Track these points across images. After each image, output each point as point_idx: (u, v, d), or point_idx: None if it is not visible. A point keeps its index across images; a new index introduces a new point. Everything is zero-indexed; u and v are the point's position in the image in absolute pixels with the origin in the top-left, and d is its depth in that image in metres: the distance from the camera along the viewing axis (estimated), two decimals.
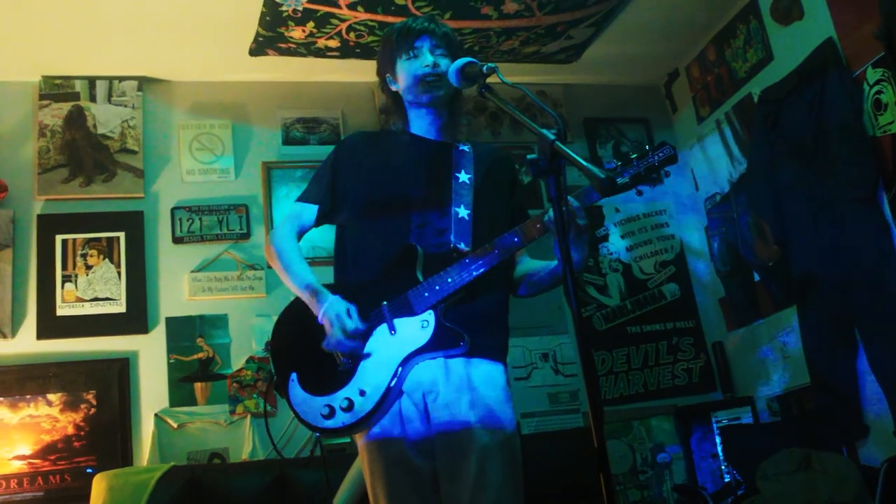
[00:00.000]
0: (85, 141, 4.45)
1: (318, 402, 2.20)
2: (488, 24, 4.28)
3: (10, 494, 3.80)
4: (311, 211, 2.45)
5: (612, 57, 5.03)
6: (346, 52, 4.45)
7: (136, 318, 4.24)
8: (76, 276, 4.24)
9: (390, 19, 4.08)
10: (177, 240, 4.43)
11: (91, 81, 4.55)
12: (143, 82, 4.64)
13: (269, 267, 4.34)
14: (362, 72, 4.76)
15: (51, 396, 4.01)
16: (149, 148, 4.56)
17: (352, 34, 4.25)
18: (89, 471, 3.85)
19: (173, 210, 4.47)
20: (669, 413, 4.60)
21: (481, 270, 2.20)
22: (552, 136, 1.84)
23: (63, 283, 4.21)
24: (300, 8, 3.99)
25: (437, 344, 2.19)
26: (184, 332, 4.29)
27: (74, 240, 4.29)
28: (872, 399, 3.88)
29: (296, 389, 2.24)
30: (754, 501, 3.63)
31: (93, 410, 4.04)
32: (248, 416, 4.16)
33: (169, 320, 4.29)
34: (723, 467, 4.34)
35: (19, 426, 3.93)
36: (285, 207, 4.59)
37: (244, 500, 3.63)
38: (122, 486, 3.52)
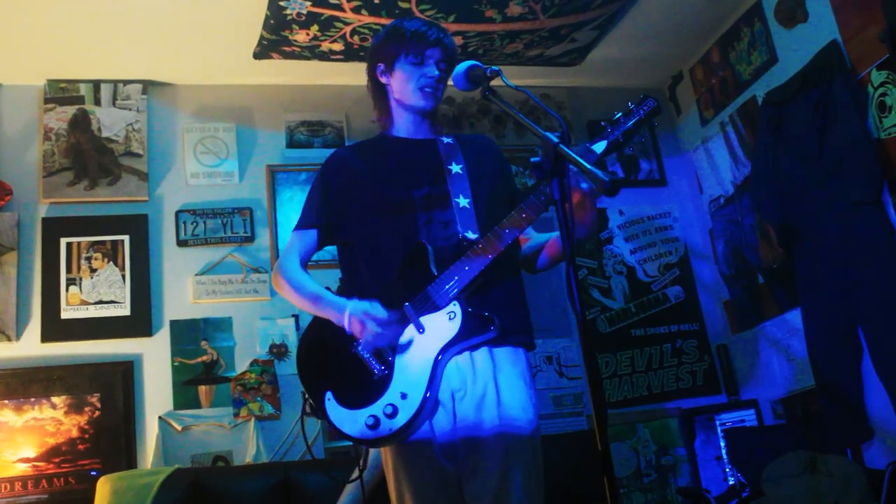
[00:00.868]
0: (90, 144, 4.46)
1: (361, 414, 2.17)
2: (492, 28, 4.28)
3: (15, 497, 3.80)
4: (311, 236, 2.44)
5: (615, 60, 5.03)
6: (350, 55, 4.46)
7: (140, 321, 4.25)
8: (81, 279, 4.25)
9: None
10: (181, 243, 4.44)
11: (96, 85, 4.56)
12: (148, 86, 4.65)
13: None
14: (366, 76, 4.76)
15: (55, 399, 4.02)
16: (153, 151, 4.57)
17: (356, 37, 4.26)
18: (93, 473, 3.86)
19: (177, 213, 4.48)
20: (674, 416, 4.60)
21: (496, 253, 2.20)
22: (556, 139, 1.85)
23: (67, 286, 4.22)
24: (304, 11, 3.99)
25: (469, 332, 2.19)
26: (188, 335, 4.30)
27: (79, 243, 4.30)
28: (877, 402, 3.87)
29: (335, 408, 2.21)
30: None
31: (97, 413, 4.05)
32: (252, 419, 4.16)
33: (173, 323, 4.30)
34: (727, 470, 4.34)
35: (24, 429, 3.94)
36: (289, 210, 4.60)
37: (248, 503, 3.63)
38: (126, 488, 3.53)
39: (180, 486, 3.58)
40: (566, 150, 1.83)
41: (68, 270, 4.24)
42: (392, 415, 2.14)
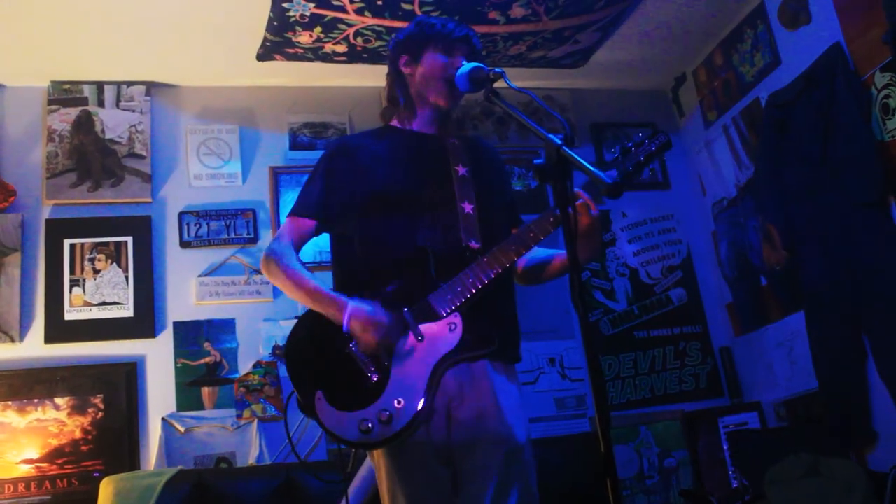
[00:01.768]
0: (93, 146, 4.47)
1: (353, 417, 2.13)
2: (495, 29, 4.28)
3: (18, 498, 3.80)
4: (307, 224, 2.40)
5: (618, 61, 5.03)
6: (353, 56, 4.46)
7: (143, 323, 4.25)
8: (84, 280, 4.25)
9: (398, 24, 4.09)
10: (184, 244, 4.44)
11: (99, 86, 4.57)
12: (152, 87, 4.66)
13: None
14: (370, 76, 4.77)
15: (58, 400, 4.02)
16: (156, 153, 4.58)
17: (359, 39, 4.26)
18: (96, 475, 3.86)
19: (181, 215, 4.49)
20: (676, 418, 4.60)
21: (502, 269, 2.20)
22: (559, 141, 1.85)
23: (71, 287, 4.22)
24: (308, 13, 4.00)
25: (469, 346, 2.20)
26: (191, 336, 4.30)
27: (82, 244, 4.30)
28: (881, 405, 3.87)
29: (325, 408, 2.16)
30: None
31: (100, 414, 4.05)
32: (255, 421, 4.16)
33: (176, 325, 4.30)
34: (730, 473, 4.33)
35: (27, 430, 3.95)
36: None
37: None
38: (128, 489, 3.53)
39: (183, 487, 3.58)
40: (569, 152, 1.83)
41: (72, 272, 4.25)
42: (387, 420, 2.10)
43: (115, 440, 4.03)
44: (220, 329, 4.34)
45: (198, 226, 4.48)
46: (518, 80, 2.20)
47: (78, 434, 4.00)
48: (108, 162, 4.46)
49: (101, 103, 4.55)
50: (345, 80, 4.84)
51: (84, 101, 4.53)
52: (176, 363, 4.24)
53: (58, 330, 4.14)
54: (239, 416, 4.18)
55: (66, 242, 4.28)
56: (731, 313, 4.98)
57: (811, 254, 4.16)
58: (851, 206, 3.88)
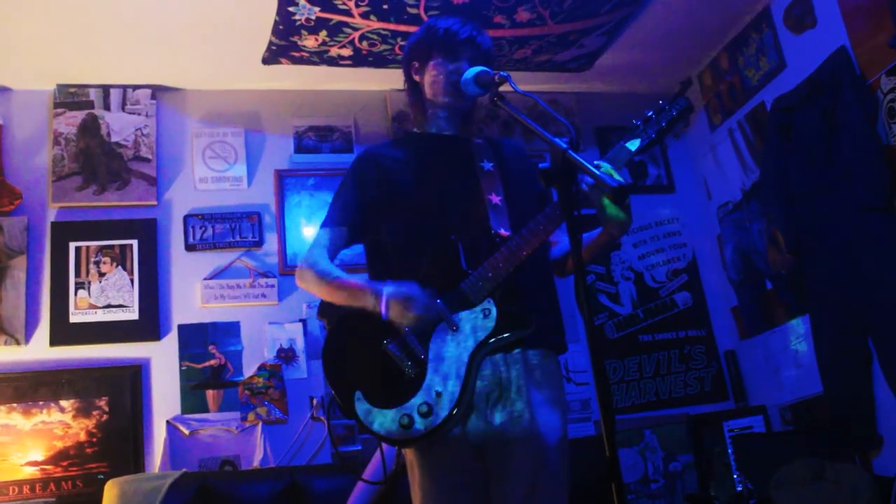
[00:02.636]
0: (99, 149, 4.48)
1: (392, 414, 2.13)
2: (500, 33, 4.29)
3: (23, 500, 3.81)
4: (340, 233, 2.42)
5: (624, 65, 5.03)
6: (358, 60, 4.47)
7: (148, 326, 4.26)
8: (89, 283, 4.26)
9: (403, 28, 4.09)
10: (189, 247, 4.45)
11: (105, 90, 4.58)
12: (157, 91, 4.66)
13: (284, 274, 4.43)
14: (375, 80, 4.78)
15: (63, 403, 4.03)
16: (162, 156, 4.59)
17: (364, 43, 4.27)
18: (101, 477, 3.86)
19: (186, 218, 4.49)
20: (681, 422, 4.59)
21: (531, 250, 2.19)
22: (564, 145, 1.85)
23: (76, 290, 4.23)
24: (313, 17, 4.00)
25: (504, 329, 2.18)
26: (196, 339, 4.30)
27: (88, 247, 4.31)
28: (886, 409, 3.86)
29: (364, 407, 2.17)
30: None
31: (105, 417, 4.06)
32: (260, 424, 4.17)
33: (181, 327, 4.31)
34: (735, 476, 4.32)
35: (32, 432, 3.95)
36: (297, 215, 4.61)
37: None
38: (133, 492, 3.53)
39: (188, 489, 3.58)
40: (574, 155, 1.83)
41: (77, 274, 4.26)
42: (427, 413, 2.11)
43: (119, 442, 4.03)
44: (224, 332, 4.35)
45: (203, 229, 4.49)
46: (523, 83, 2.20)
47: (83, 436, 4.00)
48: (114, 165, 4.47)
49: (106, 107, 4.56)
50: (350, 84, 4.85)
51: (90, 105, 4.54)
52: (181, 366, 4.24)
53: (63, 332, 4.15)
54: (243, 419, 4.18)
55: (72, 245, 4.29)
56: (737, 317, 4.97)
57: (816, 257, 4.16)
58: (857, 210, 3.87)
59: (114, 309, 4.25)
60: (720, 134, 5.02)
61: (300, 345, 4.37)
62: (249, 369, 4.30)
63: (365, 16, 4.02)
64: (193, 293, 4.38)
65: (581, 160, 1.82)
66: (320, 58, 4.43)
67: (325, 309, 4.25)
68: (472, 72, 2.25)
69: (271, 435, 4.17)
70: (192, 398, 4.21)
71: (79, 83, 4.54)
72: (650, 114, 2.24)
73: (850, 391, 4.00)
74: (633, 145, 2.19)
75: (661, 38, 4.79)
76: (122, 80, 4.58)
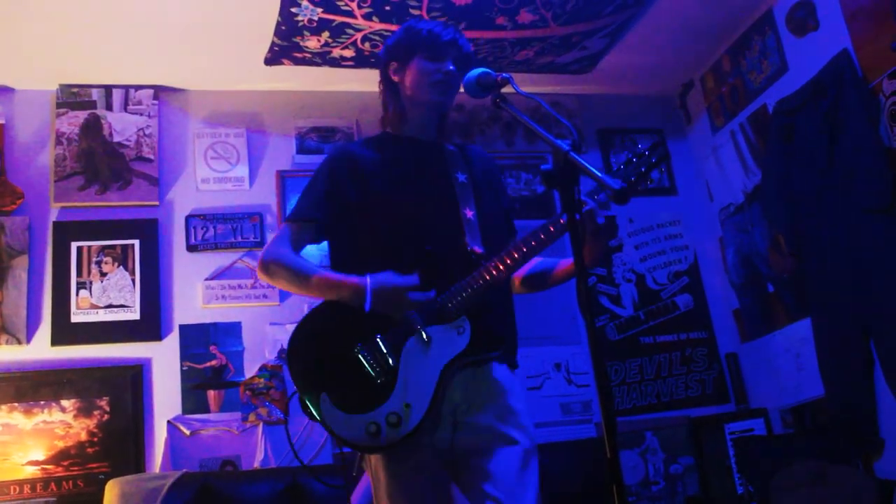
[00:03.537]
0: (101, 149, 4.48)
1: (360, 420, 2.12)
2: (503, 35, 4.29)
3: (24, 499, 3.81)
4: (307, 228, 2.38)
5: (626, 67, 5.04)
6: (361, 61, 4.47)
7: (149, 326, 4.26)
8: (91, 282, 4.26)
9: None
10: (191, 248, 4.45)
11: (108, 90, 4.58)
12: (160, 91, 4.67)
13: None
14: (377, 81, 4.77)
15: (64, 402, 4.03)
16: (164, 156, 4.59)
17: (367, 44, 4.27)
18: (102, 477, 3.86)
19: (188, 218, 4.50)
20: (682, 424, 4.59)
21: (509, 273, 2.20)
22: (566, 147, 1.85)
23: (78, 289, 4.23)
24: (315, 18, 4.01)
25: (477, 349, 2.19)
26: (197, 339, 4.30)
27: (89, 247, 4.31)
28: (888, 412, 3.86)
29: (330, 410, 2.14)
30: None
31: (106, 417, 4.06)
32: (261, 424, 4.17)
33: (182, 328, 4.31)
34: (736, 479, 4.32)
35: (33, 432, 3.95)
36: None
37: None
38: (134, 492, 3.53)
39: (188, 490, 3.59)
40: (577, 157, 1.83)
41: (79, 274, 4.26)
42: (395, 424, 2.10)
43: (120, 442, 4.03)
44: (226, 332, 4.35)
45: (205, 229, 4.49)
46: (525, 85, 2.20)
47: (84, 436, 4.01)
48: (116, 165, 4.47)
49: (109, 107, 4.57)
50: (352, 85, 4.85)
51: (92, 105, 4.54)
52: (182, 366, 4.24)
53: (64, 332, 4.15)
54: (244, 420, 4.18)
55: (74, 245, 4.29)
56: (738, 319, 4.97)
57: (818, 260, 4.16)
58: (859, 213, 3.87)
59: (115, 309, 4.25)
60: (722, 136, 5.02)
61: None
62: (250, 370, 4.30)
63: (367, 17, 4.02)
64: (195, 293, 4.39)
65: (583, 162, 1.82)
66: (322, 59, 4.43)
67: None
68: (474, 73, 2.25)
69: (272, 435, 4.17)
70: (193, 398, 4.21)
71: (81, 83, 4.54)
72: (631, 157, 2.25)
73: (852, 394, 4.00)
74: (617, 184, 2.18)
75: (663, 41, 4.79)
76: (124, 80, 4.59)
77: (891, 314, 3.76)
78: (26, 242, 4.21)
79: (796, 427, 4.46)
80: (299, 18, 4.01)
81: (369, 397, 2.14)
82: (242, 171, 4.68)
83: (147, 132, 4.57)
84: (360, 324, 2.19)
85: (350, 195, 2.36)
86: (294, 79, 4.74)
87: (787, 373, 4.52)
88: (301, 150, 4.81)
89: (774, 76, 4.54)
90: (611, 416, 1.69)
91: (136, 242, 4.37)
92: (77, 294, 4.23)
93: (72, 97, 4.52)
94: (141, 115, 4.59)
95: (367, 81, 4.77)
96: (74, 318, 4.18)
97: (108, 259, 4.31)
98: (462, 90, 2.36)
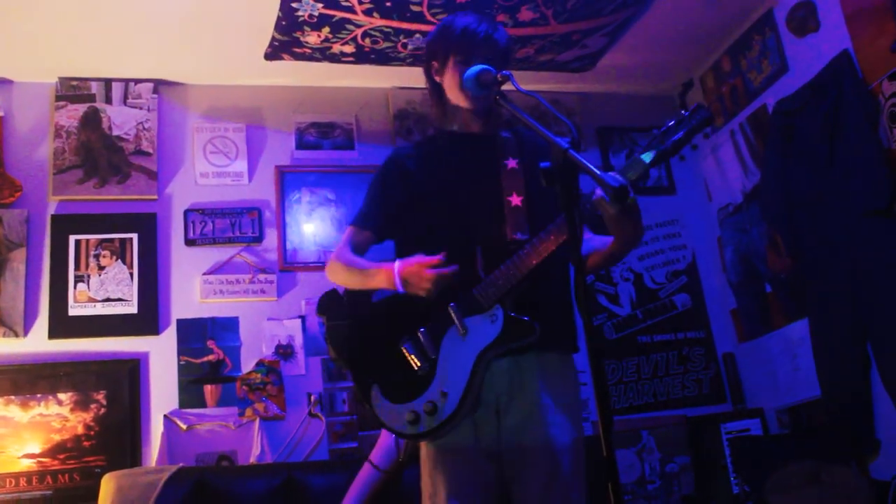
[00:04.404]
0: (100, 142, 4.47)
1: (403, 409, 2.25)
2: None
3: (19, 492, 3.81)
4: (365, 236, 2.52)
5: (626, 66, 5.03)
6: (361, 57, 4.47)
7: (147, 320, 4.26)
8: (89, 276, 4.26)
9: (406, 25, 4.09)
10: (189, 242, 4.45)
11: (107, 83, 4.58)
12: (159, 85, 4.66)
13: (284, 270, 4.44)
14: (377, 77, 4.78)
15: (61, 396, 4.03)
16: (163, 150, 4.58)
17: (367, 40, 4.27)
18: (98, 470, 3.86)
19: (186, 212, 4.49)
20: (679, 423, 4.59)
21: (541, 259, 2.22)
22: (566, 145, 1.85)
23: (75, 283, 4.23)
24: (316, 13, 4.00)
25: (509, 336, 2.24)
26: (195, 333, 4.30)
27: (87, 240, 4.31)
28: (884, 413, 3.86)
29: (380, 401, 2.29)
30: None
31: (103, 410, 4.06)
32: (257, 419, 4.17)
33: (180, 322, 4.31)
34: (732, 479, 4.32)
35: (29, 425, 3.95)
36: (298, 211, 4.61)
37: (252, 502, 3.63)
38: (130, 486, 3.53)
39: (184, 484, 3.58)
40: (576, 155, 1.83)
41: (76, 267, 4.26)
42: (432, 412, 2.20)
43: (117, 436, 4.03)
44: (223, 327, 4.35)
45: (203, 223, 4.49)
46: (525, 83, 2.20)
47: (80, 430, 4.00)
48: (115, 159, 4.47)
49: (108, 100, 4.56)
50: (352, 81, 4.85)
51: (92, 98, 4.54)
52: (179, 360, 4.24)
53: (62, 325, 4.15)
54: (241, 415, 4.18)
55: (72, 238, 4.29)
56: (736, 319, 4.97)
57: (816, 261, 4.16)
58: (858, 214, 3.87)
59: (113, 302, 4.25)
60: (722, 136, 5.02)
61: (298, 341, 4.38)
62: (248, 365, 4.30)
63: (368, 13, 4.01)
64: (193, 288, 4.38)
65: (582, 160, 1.83)
66: (322, 54, 4.43)
67: (324, 306, 4.26)
68: (473, 71, 2.25)
69: (269, 431, 4.17)
70: (190, 393, 4.21)
71: (81, 76, 4.54)
72: (670, 123, 2.21)
73: (848, 395, 4.00)
74: (648, 157, 2.16)
75: (663, 40, 4.79)
76: (124, 73, 4.58)
77: (888, 316, 3.76)
78: (24, 235, 4.21)
79: (793, 427, 4.47)
80: (300, 14, 4.01)
81: (412, 387, 2.26)
82: (241, 165, 4.67)
83: (146, 126, 4.57)
84: (406, 319, 2.31)
85: (400, 197, 2.48)
86: (294, 74, 4.74)
87: (783, 373, 4.52)
88: (300, 145, 4.81)
89: (774, 76, 4.54)
90: (607, 415, 1.69)
91: (135, 236, 4.37)
92: (75, 287, 4.22)
93: (71, 90, 4.52)
94: (140, 108, 4.59)
95: (367, 77, 4.79)
96: (72, 312, 4.18)
97: (107, 252, 4.31)
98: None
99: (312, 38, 4.23)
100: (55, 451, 3.94)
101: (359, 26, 4.13)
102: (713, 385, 4.95)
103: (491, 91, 2.23)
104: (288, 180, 4.70)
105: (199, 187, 4.58)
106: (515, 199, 2.38)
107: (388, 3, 3.95)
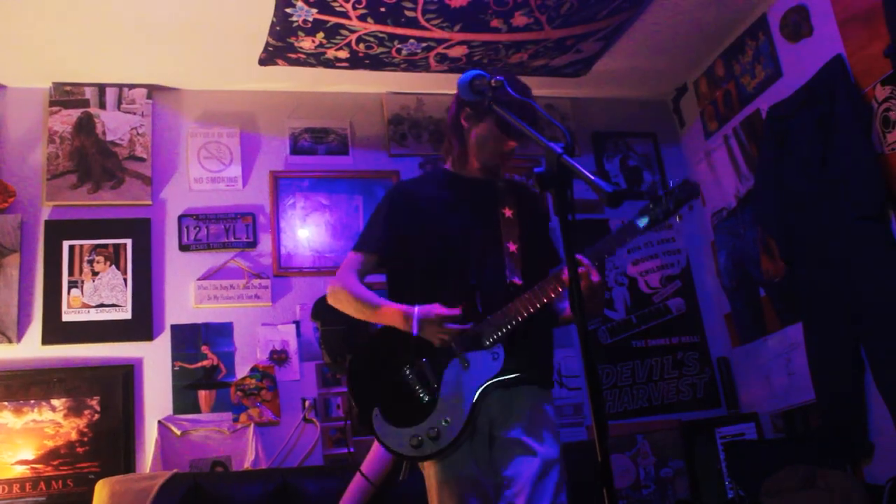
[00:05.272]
0: (94, 147, 4.47)
1: (405, 433, 2.43)
2: (497, 38, 4.29)
3: (13, 499, 3.80)
4: (370, 260, 2.65)
5: (620, 71, 5.04)
6: (355, 62, 4.47)
7: (141, 325, 4.25)
8: (82, 281, 4.25)
9: (400, 31, 4.09)
10: (183, 247, 4.44)
11: (101, 88, 4.57)
12: (153, 90, 4.66)
13: (278, 276, 4.44)
14: (371, 83, 4.79)
15: (55, 402, 4.01)
16: (157, 155, 4.58)
17: (361, 45, 4.27)
18: (92, 477, 3.85)
19: (180, 218, 4.49)
20: (673, 428, 4.59)
21: (541, 305, 2.42)
22: (559, 150, 1.86)
23: (69, 288, 4.22)
24: (310, 19, 4.00)
25: (508, 372, 2.45)
26: (189, 339, 4.29)
27: (81, 246, 4.30)
28: (878, 417, 3.87)
29: (380, 423, 2.47)
30: None
31: (96, 416, 4.05)
32: (252, 425, 4.16)
33: (174, 327, 4.30)
34: (726, 483, 4.32)
35: (23, 431, 3.94)
36: (292, 217, 4.61)
37: None
38: (123, 492, 3.52)
39: (178, 490, 3.57)
40: (570, 160, 1.84)
41: (70, 273, 4.25)
42: (435, 437, 2.39)
43: (111, 442, 4.02)
44: (217, 332, 4.34)
45: (197, 229, 4.48)
46: None
47: (74, 436, 3.99)
48: (109, 164, 4.46)
49: (102, 105, 4.55)
50: (346, 86, 4.85)
51: (85, 103, 4.53)
52: (173, 366, 4.23)
53: (55, 331, 4.13)
54: (235, 420, 4.17)
55: (66, 244, 4.28)
56: (730, 324, 4.98)
57: (810, 265, 4.17)
58: (851, 219, 3.88)
59: (107, 308, 4.24)
60: (715, 141, 5.03)
61: (293, 346, 4.37)
62: (242, 370, 4.29)
63: (362, 18, 4.02)
64: (187, 293, 4.38)
65: (576, 165, 1.83)
66: (317, 59, 4.43)
67: (318, 311, 4.27)
68: (467, 76, 2.27)
69: (263, 436, 4.16)
70: (185, 398, 4.20)
71: (75, 81, 4.53)
72: (661, 194, 2.42)
73: (842, 399, 4.01)
74: (643, 223, 2.46)
75: (657, 45, 4.80)
76: (118, 78, 4.58)
77: (881, 320, 3.77)
78: (18, 240, 4.20)
79: (787, 431, 4.47)
80: (294, 19, 4.01)
81: (414, 413, 2.45)
82: (235, 171, 4.67)
83: (140, 131, 4.56)
84: (409, 349, 2.50)
85: (408, 230, 2.62)
86: (288, 79, 4.74)
87: (777, 377, 4.53)
88: (294, 150, 4.80)
89: (768, 81, 4.55)
90: (602, 420, 1.69)
91: (129, 242, 4.36)
92: (68, 293, 4.21)
93: (65, 95, 4.51)
94: (134, 113, 4.58)
95: (361, 83, 4.79)
96: (66, 317, 4.17)
97: (100, 258, 4.30)
98: (455, 91, 2.42)
99: (307, 44, 4.24)
100: (49, 457, 3.93)
101: (353, 31, 4.14)
102: (707, 389, 4.96)
103: (484, 96, 2.24)
104: (282, 185, 4.69)
105: (194, 192, 4.57)
106: (512, 246, 2.58)
107: (383, 9, 3.95)
